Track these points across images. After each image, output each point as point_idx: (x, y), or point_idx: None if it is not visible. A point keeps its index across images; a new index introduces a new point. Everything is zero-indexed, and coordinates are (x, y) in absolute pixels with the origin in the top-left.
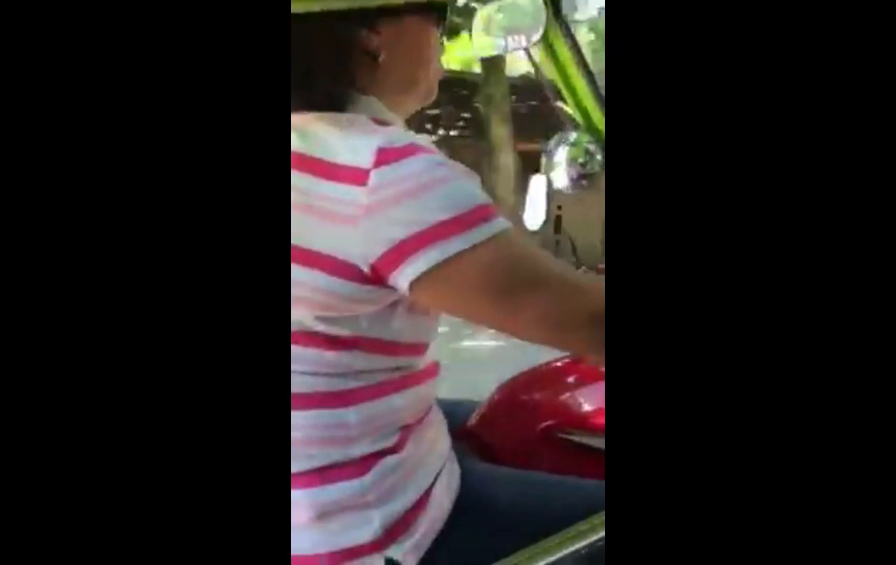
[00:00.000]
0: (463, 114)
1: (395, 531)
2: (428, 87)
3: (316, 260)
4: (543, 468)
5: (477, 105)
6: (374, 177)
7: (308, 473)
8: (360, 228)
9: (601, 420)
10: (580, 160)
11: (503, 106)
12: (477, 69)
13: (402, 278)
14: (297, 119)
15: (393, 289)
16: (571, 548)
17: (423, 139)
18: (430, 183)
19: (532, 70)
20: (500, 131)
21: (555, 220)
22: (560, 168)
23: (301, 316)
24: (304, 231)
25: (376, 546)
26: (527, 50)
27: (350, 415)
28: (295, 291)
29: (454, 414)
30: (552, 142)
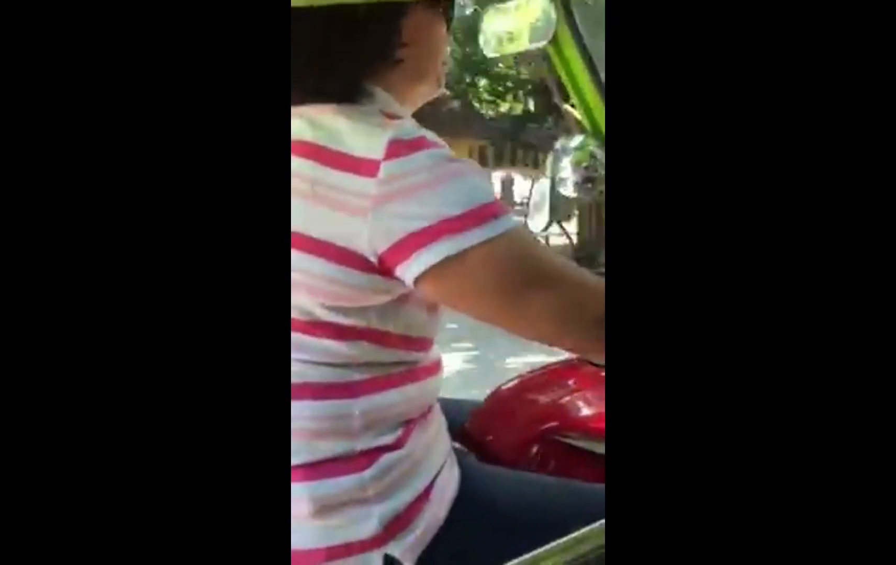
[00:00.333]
0: None
1: (394, 527)
2: (437, 79)
3: (324, 249)
4: (542, 470)
5: None
6: (384, 170)
7: (309, 466)
8: (368, 219)
9: (600, 424)
10: (585, 164)
11: None
12: None
13: (409, 271)
14: (310, 110)
15: (401, 281)
16: (571, 556)
17: (433, 134)
18: (440, 177)
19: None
20: None
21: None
22: (566, 171)
23: (309, 305)
24: (313, 220)
25: (375, 542)
26: (537, 51)
27: (355, 407)
28: (303, 279)
29: (453, 413)
30: (558, 146)
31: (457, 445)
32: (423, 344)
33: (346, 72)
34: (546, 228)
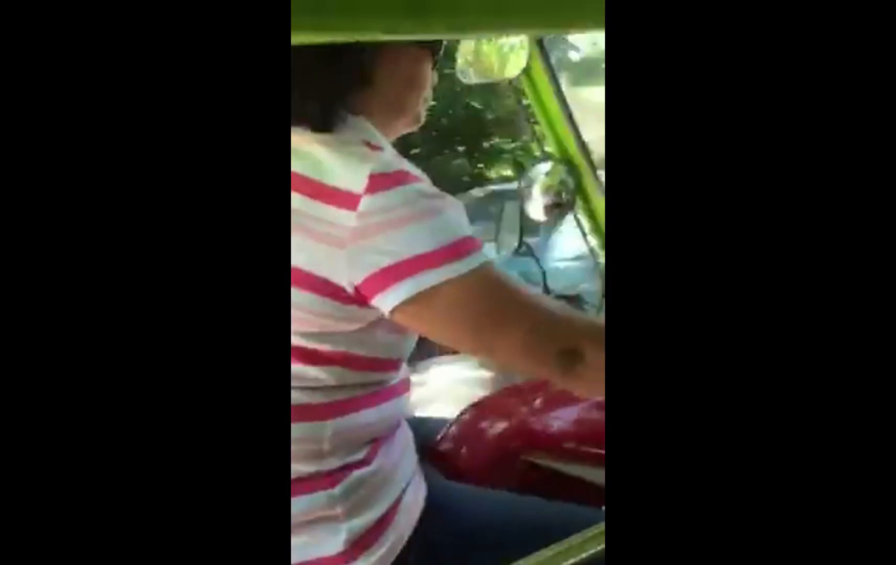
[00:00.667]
0: None
1: (361, 544)
2: (416, 114)
3: (301, 278)
4: (508, 488)
5: None
6: (363, 204)
7: None
8: (346, 251)
9: (567, 444)
10: (555, 190)
11: None
12: None
13: (385, 303)
14: (292, 137)
15: (375, 309)
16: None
17: (412, 166)
18: (417, 214)
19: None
20: None
21: None
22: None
23: None
24: (293, 249)
25: (343, 558)
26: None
27: (326, 428)
28: None
29: (421, 431)
30: (528, 171)
31: (423, 462)
32: (393, 365)
33: (325, 100)
34: (517, 250)
